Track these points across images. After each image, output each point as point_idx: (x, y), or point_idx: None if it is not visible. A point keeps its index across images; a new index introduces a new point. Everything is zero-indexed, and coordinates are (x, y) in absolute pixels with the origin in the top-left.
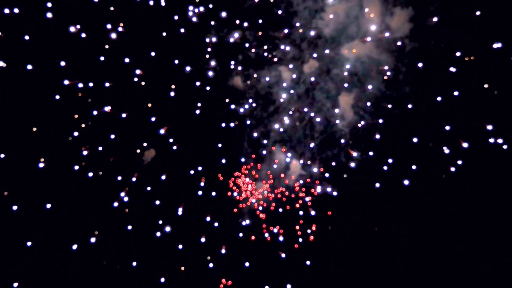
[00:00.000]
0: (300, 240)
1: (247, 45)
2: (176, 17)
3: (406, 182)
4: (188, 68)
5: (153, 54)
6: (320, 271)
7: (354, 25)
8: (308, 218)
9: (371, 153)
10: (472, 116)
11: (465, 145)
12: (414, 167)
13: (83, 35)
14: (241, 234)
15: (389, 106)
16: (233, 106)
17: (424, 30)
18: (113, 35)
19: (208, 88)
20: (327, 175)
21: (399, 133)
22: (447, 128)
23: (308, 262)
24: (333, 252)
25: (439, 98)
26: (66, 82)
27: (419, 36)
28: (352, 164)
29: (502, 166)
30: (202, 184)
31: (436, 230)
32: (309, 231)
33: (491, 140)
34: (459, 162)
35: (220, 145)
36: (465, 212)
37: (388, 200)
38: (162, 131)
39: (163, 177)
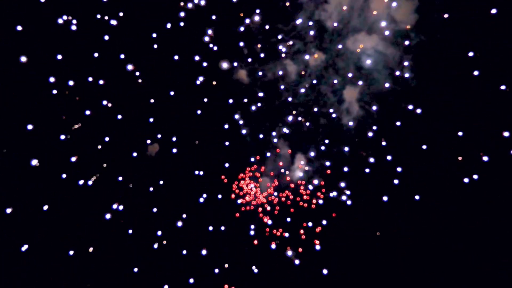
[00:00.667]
0: (304, 243)
1: (250, 40)
2: (175, 10)
3: (406, 182)
4: (188, 65)
5: (151, 50)
6: (321, 272)
7: (361, 17)
8: (312, 220)
9: (376, 154)
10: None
11: (485, 158)
12: (415, 167)
13: (74, 27)
14: (243, 238)
15: (398, 104)
16: (236, 105)
17: (435, 24)
18: (109, 28)
19: (209, 86)
20: (332, 176)
21: (404, 133)
22: (460, 134)
23: (311, 265)
24: (335, 253)
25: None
26: (52, 79)
27: (432, 30)
28: (358, 165)
29: (502, 166)
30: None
31: (436, 230)
32: (313, 233)
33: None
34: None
35: (222, 145)
36: (468, 211)
37: (388, 200)
38: (159, 136)
39: (164, 179)
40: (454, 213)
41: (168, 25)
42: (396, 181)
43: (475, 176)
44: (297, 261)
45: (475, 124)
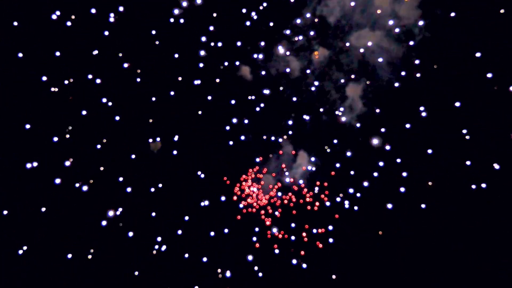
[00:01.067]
0: (307, 245)
1: (252, 38)
2: (175, 7)
3: (405, 178)
4: (189, 64)
5: (150, 48)
6: (322, 272)
7: (364, 14)
8: (315, 222)
9: (380, 155)
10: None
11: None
12: (414, 167)
13: (69, 23)
14: (245, 240)
15: (402, 103)
16: (237, 105)
17: (441, 21)
18: (107, 24)
19: (210, 85)
20: (336, 178)
21: (407, 134)
22: (464, 131)
23: (312, 265)
24: (336, 254)
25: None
26: (52, 78)
27: (438, 27)
28: (362, 166)
29: (502, 166)
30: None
31: (436, 230)
32: (316, 235)
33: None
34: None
35: (224, 146)
36: (468, 211)
37: (390, 201)
38: (159, 136)
39: (165, 180)
40: (454, 213)
41: (168, 23)
42: (396, 179)
43: (478, 179)
44: (304, 265)
45: (475, 124)
